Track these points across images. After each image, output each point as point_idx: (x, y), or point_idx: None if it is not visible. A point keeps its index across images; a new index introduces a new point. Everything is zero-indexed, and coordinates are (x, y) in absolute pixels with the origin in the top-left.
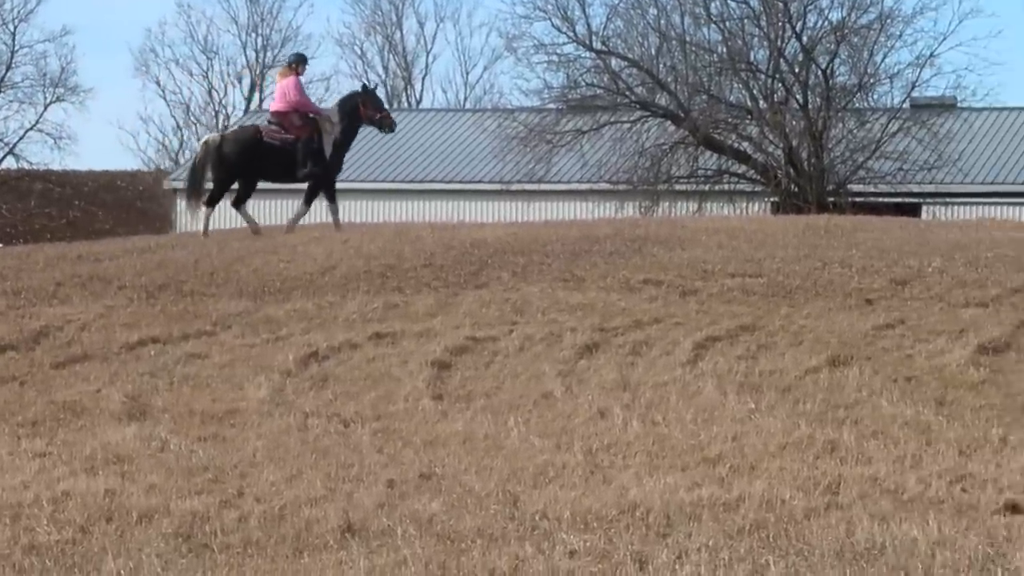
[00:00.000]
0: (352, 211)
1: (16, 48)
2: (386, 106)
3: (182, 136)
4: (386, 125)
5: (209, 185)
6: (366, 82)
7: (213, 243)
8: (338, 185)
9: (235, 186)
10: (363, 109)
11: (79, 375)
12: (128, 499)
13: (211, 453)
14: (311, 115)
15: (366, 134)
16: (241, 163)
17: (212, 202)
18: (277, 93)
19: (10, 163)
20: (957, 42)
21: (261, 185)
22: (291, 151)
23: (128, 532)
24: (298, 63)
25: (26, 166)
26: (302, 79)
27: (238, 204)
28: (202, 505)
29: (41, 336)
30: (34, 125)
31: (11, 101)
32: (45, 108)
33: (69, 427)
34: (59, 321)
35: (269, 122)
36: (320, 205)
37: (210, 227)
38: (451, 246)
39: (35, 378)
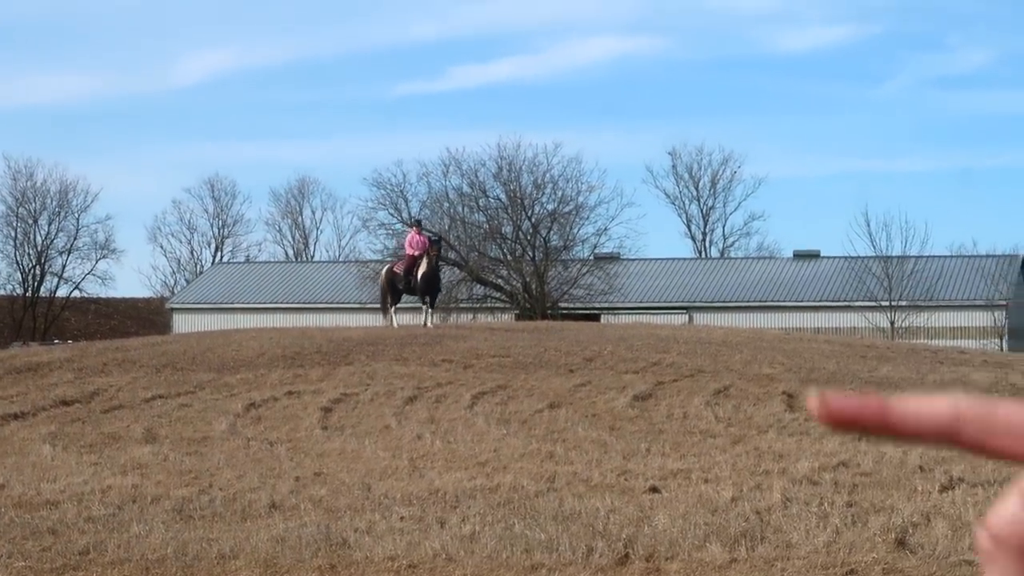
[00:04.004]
0: (276, 320)
1: (80, 227)
2: (438, 248)
3: (176, 278)
4: (432, 260)
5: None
6: (431, 235)
7: (195, 338)
8: (275, 304)
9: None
10: (430, 249)
11: (117, 417)
12: (145, 489)
13: (193, 462)
14: (416, 254)
15: (287, 275)
16: (389, 282)
17: (393, 303)
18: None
19: (76, 294)
20: (620, 222)
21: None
22: (403, 276)
23: (146, 510)
24: (415, 224)
25: (85, 295)
26: (420, 234)
27: (393, 303)
28: (188, 492)
29: (94, 395)
30: (90, 271)
31: (77, 258)
32: (97, 261)
33: (111, 447)
34: (105, 386)
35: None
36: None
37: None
38: (332, 340)
39: (91, 419)
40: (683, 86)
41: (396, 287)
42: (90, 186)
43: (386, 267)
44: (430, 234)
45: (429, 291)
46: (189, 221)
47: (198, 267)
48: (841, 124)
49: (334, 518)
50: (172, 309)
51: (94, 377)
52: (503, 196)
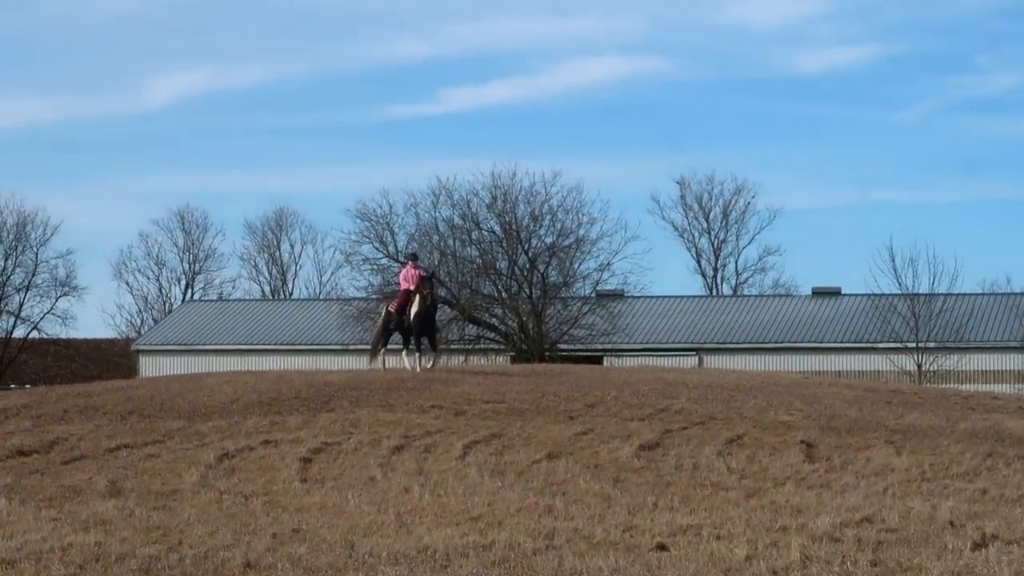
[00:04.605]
0: (252, 363)
1: (39, 262)
2: (430, 286)
3: (143, 317)
4: (426, 298)
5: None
6: (423, 272)
7: (163, 383)
8: (250, 346)
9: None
10: (421, 287)
11: (78, 468)
12: (109, 547)
13: (161, 517)
14: (409, 290)
15: (263, 314)
16: (387, 322)
17: (383, 344)
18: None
19: (34, 334)
20: (624, 256)
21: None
22: (396, 315)
23: (110, 569)
24: (410, 257)
25: (45, 336)
26: (416, 268)
27: (384, 345)
28: (156, 551)
29: (54, 444)
30: (50, 310)
31: (35, 296)
32: (57, 299)
33: (72, 502)
34: (65, 434)
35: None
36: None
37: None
38: (311, 385)
39: (50, 471)
40: (692, 110)
41: (389, 328)
42: (50, 218)
43: (384, 307)
44: (423, 270)
45: (424, 331)
46: (157, 256)
47: (167, 305)
48: (863, 151)
49: None
50: (139, 351)
51: (54, 425)
52: (497, 229)
